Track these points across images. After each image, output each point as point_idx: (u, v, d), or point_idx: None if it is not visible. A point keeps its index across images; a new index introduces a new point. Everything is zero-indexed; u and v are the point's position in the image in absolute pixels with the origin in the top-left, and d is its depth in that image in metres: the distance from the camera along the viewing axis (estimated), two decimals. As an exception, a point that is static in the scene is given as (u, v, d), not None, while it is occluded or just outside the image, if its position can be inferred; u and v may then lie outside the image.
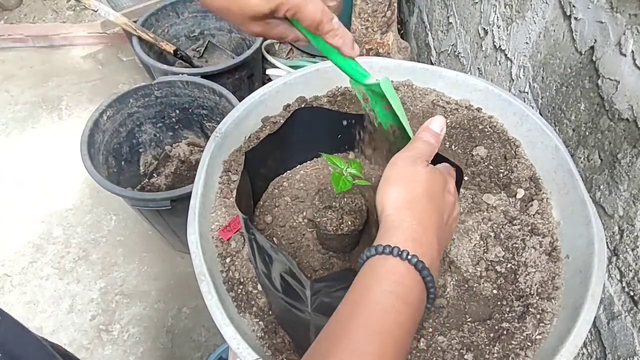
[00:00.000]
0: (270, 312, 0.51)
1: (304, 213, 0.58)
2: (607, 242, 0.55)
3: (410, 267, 0.32)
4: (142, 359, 1.24)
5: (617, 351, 0.56)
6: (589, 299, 0.45)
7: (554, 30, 0.66)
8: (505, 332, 0.47)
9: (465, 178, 0.60)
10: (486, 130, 0.65)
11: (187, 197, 0.66)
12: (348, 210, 0.56)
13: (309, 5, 0.41)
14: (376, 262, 0.34)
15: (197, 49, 1.66)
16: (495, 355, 0.46)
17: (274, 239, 0.56)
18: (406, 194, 0.37)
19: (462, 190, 0.58)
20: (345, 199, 0.56)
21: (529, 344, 0.47)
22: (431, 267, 0.33)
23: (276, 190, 0.62)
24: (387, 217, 0.36)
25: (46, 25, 2.12)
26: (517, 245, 0.53)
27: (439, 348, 0.46)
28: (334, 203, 0.56)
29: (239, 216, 0.53)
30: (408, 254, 0.33)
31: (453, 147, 0.64)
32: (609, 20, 0.53)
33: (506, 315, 0.49)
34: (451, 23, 1.11)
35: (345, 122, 0.61)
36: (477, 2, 0.93)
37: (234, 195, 0.60)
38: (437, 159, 0.51)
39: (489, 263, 0.53)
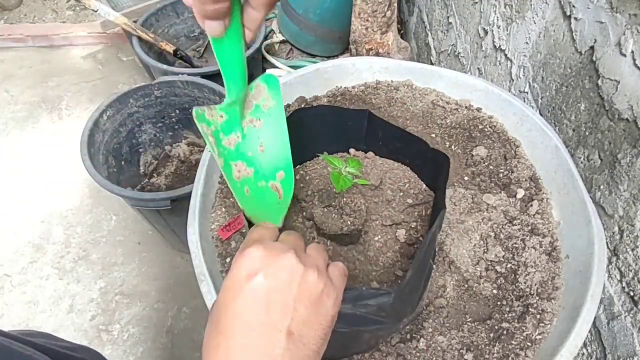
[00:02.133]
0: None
1: (304, 213, 0.58)
2: (607, 242, 0.55)
3: None
4: (142, 359, 1.24)
5: (617, 351, 0.56)
6: (589, 299, 0.45)
7: (554, 31, 0.66)
8: (505, 332, 0.47)
9: (465, 178, 0.60)
10: (486, 130, 0.65)
11: (187, 197, 0.66)
12: (348, 210, 0.56)
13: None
14: None
15: (197, 49, 1.66)
16: (495, 355, 0.46)
17: None
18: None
19: (462, 190, 0.58)
20: (344, 199, 0.56)
21: (529, 344, 0.47)
22: None
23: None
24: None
25: (46, 25, 2.12)
26: (517, 245, 0.53)
27: (439, 348, 0.46)
28: (333, 203, 0.56)
29: (242, 216, 0.53)
30: None
31: (453, 147, 0.64)
32: (609, 21, 0.53)
33: (506, 315, 0.49)
34: (451, 23, 1.11)
35: (345, 119, 0.61)
36: (477, 2, 0.93)
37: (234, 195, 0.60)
38: (423, 150, 0.51)
39: (489, 263, 0.53)
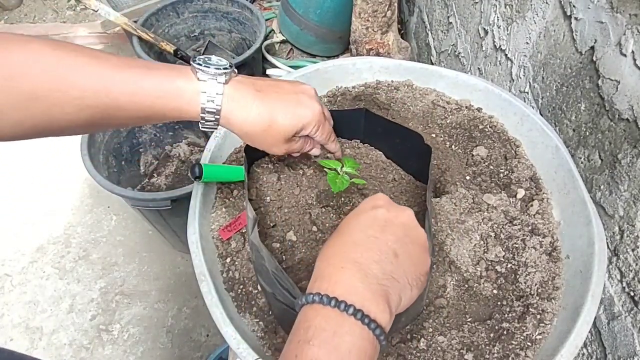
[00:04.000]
0: (270, 312, 0.51)
1: (310, 214, 0.58)
2: (607, 243, 0.55)
3: (340, 314, 0.31)
4: (142, 359, 1.24)
5: (617, 351, 0.56)
6: (589, 299, 0.45)
7: (554, 31, 0.66)
8: (505, 332, 0.47)
9: (467, 178, 0.60)
10: (486, 130, 0.65)
11: (187, 197, 0.66)
12: (346, 210, 0.56)
13: (327, 122, 0.49)
14: (308, 312, 0.33)
15: (197, 49, 1.66)
16: (496, 355, 0.46)
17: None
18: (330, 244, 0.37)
19: (463, 190, 0.58)
20: (342, 199, 0.56)
21: (529, 344, 0.46)
22: (369, 302, 0.32)
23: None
24: (315, 268, 0.36)
25: (46, 25, 2.12)
26: (517, 246, 0.53)
27: (439, 348, 0.46)
28: (331, 202, 0.56)
29: (246, 216, 0.53)
30: (334, 300, 0.32)
31: (453, 147, 0.64)
32: (609, 21, 0.53)
33: (506, 315, 0.49)
34: (451, 23, 1.11)
35: (344, 119, 0.61)
36: (477, 2, 0.93)
37: (236, 195, 0.61)
38: (418, 144, 0.52)
39: (489, 263, 0.53)
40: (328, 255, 0.36)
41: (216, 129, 0.44)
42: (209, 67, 0.41)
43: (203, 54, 1.63)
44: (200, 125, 0.43)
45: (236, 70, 0.44)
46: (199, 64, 0.41)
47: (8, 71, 0.35)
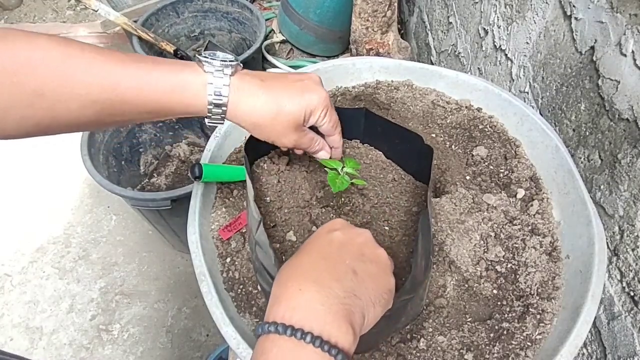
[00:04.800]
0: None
1: (311, 215, 0.58)
2: (607, 242, 0.55)
3: (297, 342, 0.30)
4: (142, 359, 1.24)
5: (617, 351, 0.56)
6: (589, 299, 0.45)
7: (554, 31, 0.66)
8: (505, 332, 0.47)
9: (467, 177, 0.60)
10: (486, 130, 0.65)
11: (187, 197, 0.66)
12: (346, 210, 0.56)
13: (333, 109, 0.49)
14: (264, 343, 0.31)
15: (197, 49, 1.66)
16: (496, 355, 0.46)
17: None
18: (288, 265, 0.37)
19: (463, 190, 0.58)
20: (342, 199, 0.56)
21: (529, 344, 0.46)
22: (329, 326, 0.31)
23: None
24: (272, 294, 0.35)
25: (46, 25, 2.12)
26: (517, 245, 0.53)
27: (439, 348, 0.46)
28: (331, 203, 0.56)
29: (248, 216, 0.53)
30: (290, 329, 0.30)
31: (453, 147, 0.64)
32: (609, 20, 0.53)
33: (506, 315, 0.49)
34: (451, 23, 1.11)
35: (343, 118, 0.61)
36: (477, 2, 0.93)
37: (236, 195, 0.61)
38: (418, 145, 0.52)
39: (489, 263, 0.53)
40: (285, 279, 0.34)
41: (222, 123, 0.44)
42: (215, 60, 0.41)
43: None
44: (206, 121, 0.43)
45: (242, 65, 0.44)
46: (205, 57, 0.41)
47: (13, 68, 0.34)
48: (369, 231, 0.41)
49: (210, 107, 0.41)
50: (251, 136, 0.55)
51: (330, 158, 0.53)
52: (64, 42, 0.37)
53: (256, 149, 0.58)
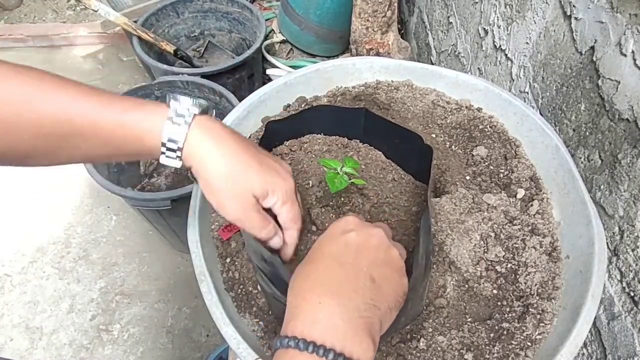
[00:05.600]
0: (270, 312, 0.51)
1: (311, 216, 0.58)
2: (607, 243, 0.55)
3: (317, 359, 0.29)
4: (142, 359, 1.24)
5: (617, 351, 0.56)
6: (589, 299, 0.45)
7: (554, 31, 0.66)
8: (505, 332, 0.47)
9: (467, 177, 0.60)
10: (486, 130, 0.65)
11: (187, 197, 0.66)
12: (346, 210, 0.56)
13: (296, 201, 0.44)
14: (282, 357, 0.31)
15: (197, 49, 1.66)
16: (495, 355, 0.46)
17: None
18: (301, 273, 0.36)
19: (463, 190, 0.58)
20: (342, 198, 0.56)
21: (529, 344, 0.46)
22: (350, 342, 0.30)
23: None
24: (288, 304, 0.34)
25: (46, 25, 2.12)
26: (517, 246, 0.53)
27: (439, 348, 0.46)
28: (331, 202, 0.56)
29: None
30: (312, 345, 0.29)
31: (453, 147, 0.64)
32: (609, 20, 0.53)
33: (506, 315, 0.49)
34: (451, 23, 1.11)
35: (344, 117, 0.61)
36: (477, 2, 0.93)
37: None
38: (418, 145, 0.52)
39: (489, 263, 0.53)
40: (302, 289, 0.34)
41: (178, 165, 0.40)
42: (180, 97, 0.38)
43: (203, 54, 1.64)
44: (161, 160, 0.40)
45: (213, 113, 0.41)
46: (173, 95, 0.39)
47: None
48: (382, 229, 0.39)
49: (164, 148, 0.38)
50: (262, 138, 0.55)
51: (280, 252, 0.48)
52: (23, 70, 0.36)
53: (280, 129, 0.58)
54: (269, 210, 0.44)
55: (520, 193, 0.58)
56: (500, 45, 0.84)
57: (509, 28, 0.80)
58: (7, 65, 0.35)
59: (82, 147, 0.38)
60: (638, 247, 0.52)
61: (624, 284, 0.54)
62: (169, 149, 0.38)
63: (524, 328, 0.47)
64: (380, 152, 0.63)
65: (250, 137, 0.66)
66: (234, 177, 0.39)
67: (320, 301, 0.32)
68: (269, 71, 1.54)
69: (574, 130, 0.63)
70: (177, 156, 0.39)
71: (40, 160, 0.39)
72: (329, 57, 1.63)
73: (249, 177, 0.40)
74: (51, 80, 0.36)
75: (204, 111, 0.40)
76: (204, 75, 1.25)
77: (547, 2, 0.68)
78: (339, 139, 0.64)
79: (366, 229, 0.38)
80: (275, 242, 0.45)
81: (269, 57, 1.57)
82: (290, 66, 1.55)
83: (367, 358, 0.31)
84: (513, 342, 0.47)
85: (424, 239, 0.45)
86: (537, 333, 0.47)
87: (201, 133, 0.39)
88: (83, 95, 0.37)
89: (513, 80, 0.81)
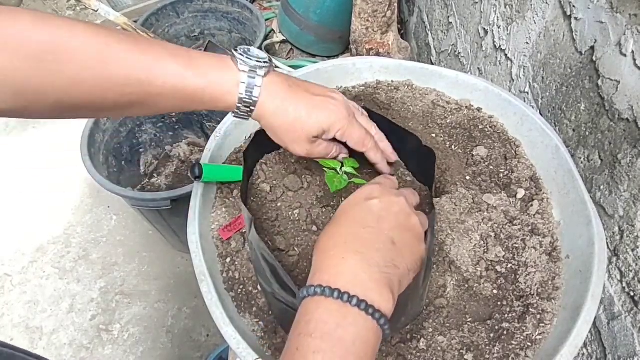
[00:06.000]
0: (270, 312, 0.51)
1: (312, 216, 0.58)
2: (607, 243, 0.55)
3: (343, 305, 0.32)
4: (142, 359, 1.24)
5: (617, 351, 0.56)
6: (589, 299, 0.45)
7: (554, 31, 0.66)
8: (505, 332, 0.47)
9: (467, 178, 0.60)
10: (486, 130, 0.65)
11: (187, 197, 0.66)
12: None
13: (354, 126, 0.47)
14: (309, 304, 0.33)
15: (198, 49, 1.66)
16: (496, 355, 0.46)
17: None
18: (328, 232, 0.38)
19: (463, 190, 0.58)
20: (342, 198, 0.56)
21: (529, 344, 0.47)
22: (372, 292, 0.33)
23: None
24: (314, 262, 0.37)
25: (46, 25, 2.12)
26: (517, 246, 0.53)
27: (439, 348, 0.46)
28: (332, 202, 0.56)
29: (244, 216, 0.53)
30: (337, 292, 0.32)
31: (453, 147, 0.64)
32: (609, 21, 0.53)
33: (506, 315, 0.49)
34: (451, 23, 1.11)
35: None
36: (477, 2, 0.93)
37: (236, 195, 0.61)
38: (416, 146, 0.52)
39: (489, 263, 0.53)
40: (327, 247, 0.36)
41: (247, 119, 0.45)
42: (250, 59, 0.41)
43: (203, 54, 1.64)
44: (232, 114, 0.44)
45: (273, 65, 0.44)
46: (240, 55, 0.42)
47: (54, 54, 0.35)
48: (405, 197, 0.41)
49: (240, 105, 0.42)
50: (251, 142, 0.55)
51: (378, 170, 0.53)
52: (102, 31, 0.37)
53: (255, 155, 0.58)
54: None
55: (520, 193, 0.58)
56: (500, 45, 0.84)
57: (509, 28, 0.80)
58: (85, 25, 0.37)
59: (160, 105, 0.41)
60: (638, 247, 0.52)
61: (624, 284, 0.54)
62: (244, 107, 0.42)
63: (524, 328, 0.47)
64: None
65: (250, 136, 0.66)
66: (295, 126, 0.44)
67: (344, 256, 0.34)
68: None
69: (574, 130, 0.63)
70: (248, 113, 0.43)
71: (116, 114, 0.42)
72: (329, 57, 1.63)
73: (306, 122, 0.44)
74: (130, 41, 0.38)
75: (268, 64, 0.43)
76: (204, 75, 1.25)
77: (547, 2, 0.68)
78: None
79: (389, 196, 0.40)
80: (343, 155, 0.51)
81: (269, 57, 1.57)
82: (290, 66, 1.55)
83: (387, 307, 0.33)
84: (513, 342, 0.47)
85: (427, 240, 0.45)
86: (537, 333, 0.47)
87: (270, 92, 0.43)
88: (163, 58, 0.39)
89: (513, 80, 0.81)
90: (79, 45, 0.35)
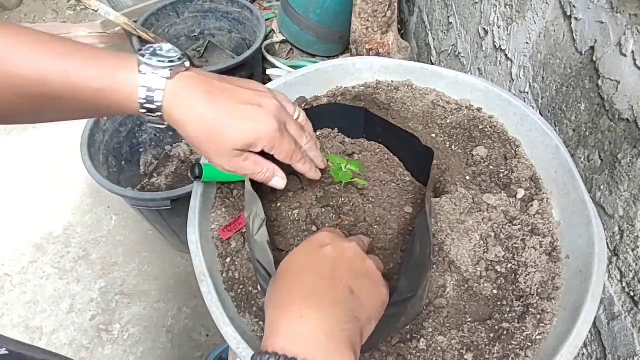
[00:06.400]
0: (270, 312, 0.51)
1: (311, 215, 0.58)
2: (607, 243, 0.55)
3: None
4: (142, 359, 1.24)
5: (617, 351, 0.56)
6: (589, 299, 0.45)
7: (554, 31, 0.66)
8: (505, 332, 0.47)
9: (467, 178, 0.60)
10: (486, 130, 0.65)
11: (187, 197, 0.66)
12: (346, 210, 0.56)
13: (284, 139, 0.43)
14: None
15: (197, 49, 1.66)
16: (496, 355, 0.46)
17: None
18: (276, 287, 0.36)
19: (463, 190, 0.58)
20: (342, 199, 0.56)
21: (529, 344, 0.47)
22: (332, 356, 0.30)
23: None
24: (268, 318, 0.34)
25: (46, 25, 2.12)
26: (517, 246, 0.53)
27: (439, 348, 0.46)
28: (331, 202, 0.56)
29: (243, 216, 0.53)
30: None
31: (453, 147, 0.64)
32: (610, 21, 0.53)
33: (506, 315, 0.49)
34: (451, 23, 1.11)
35: (345, 114, 0.61)
36: (477, 2, 0.93)
37: (236, 195, 0.61)
38: (416, 147, 0.51)
39: (489, 263, 0.53)
40: (283, 303, 0.33)
41: (163, 125, 0.40)
42: (152, 59, 0.37)
43: (203, 54, 1.64)
44: (146, 121, 0.40)
45: (188, 64, 0.40)
46: (142, 55, 0.37)
47: None
48: (356, 242, 0.40)
49: (143, 110, 0.38)
50: None
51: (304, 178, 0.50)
52: (18, 32, 0.35)
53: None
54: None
55: (520, 193, 0.58)
56: (500, 46, 0.84)
57: (509, 28, 0.81)
58: (3, 23, 0.35)
59: (66, 109, 0.38)
60: (638, 247, 0.52)
61: (624, 284, 0.55)
62: (148, 113, 0.38)
63: (524, 328, 0.47)
64: (385, 151, 0.63)
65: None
66: (214, 137, 0.39)
67: (302, 315, 0.32)
68: (269, 71, 1.54)
69: (574, 130, 0.63)
70: (159, 120, 0.39)
71: (25, 119, 0.39)
72: (329, 57, 1.63)
73: (229, 135, 0.39)
74: (30, 38, 0.35)
75: (175, 64, 0.38)
76: (204, 75, 1.25)
77: (547, 2, 0.68)
78: (345, 138, 0.65)
79: (341, 242, 0.39)
80: (276, 183, 0.46)
81: (269, 57, 1.57)
82: (290, 66, 1.55)
83: None
84: (513, 342, 0.47)
85: (421, 240, 0.45)
86: (537, 333, 0.47)
87: (178, 96, 0.38)
88: (60, 57, 0.36)
89: (513, 81, 0.81)
90: None
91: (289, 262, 0.38)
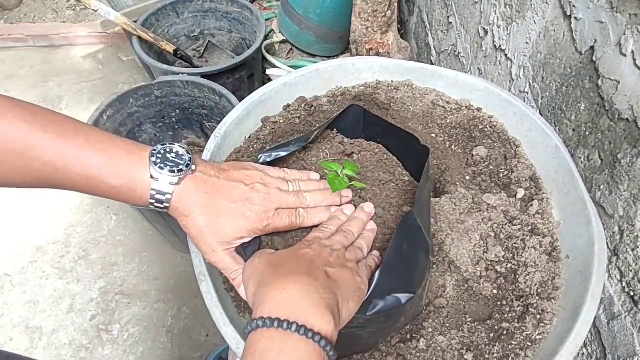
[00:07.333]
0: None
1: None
2: (607, 242, 0.55)
3: (284, 332, 0.33)
4: (142, 359, 1.24)
5: (617, 351, 0.56)
6: (589, 299, 0.45)
7: (554, 31, 0.66)
8: (505, 332, 0.47)
9: (467, 178, 0.60)
10: (486, 130, 0.65)
11: (187, 197, 0.66)
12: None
13: (278, 218, 0.47)
14: (253, 337, 0.34)
15: (197, 49, 1.66)
16: (495, 355, 0.46)
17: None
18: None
19: (463, 190, 0.58)
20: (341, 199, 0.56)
21: (529, 344, 0.47)
22: (312, 316, 0.34)
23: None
24: (254, 296, 0.39)
25: (46, 25, 2.12)
26: (517, 246, 0.53)
27: (439, 348, 0.46)
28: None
29: None
30: (277, 321, 0.33)
31: (453, 147, 0.64)
32: (609, 20, 0.53)
33: (506, 315, 0.49)
34: (451, 23, 1.11)
35: (345, 114, 0.61)
36: (477, 2, 0.93)
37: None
38: (415, 146, 0.51)
39: (489, 263, 0.53)
40: (267, 282, 0.38)
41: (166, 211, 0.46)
42: (163, 168, 0.42)
43: (203, 54, 1.64)
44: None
45: (194, 167, 0.45)
46: (154, 162, 0.42)
47: None
48: (337, 239, 0.45)
49: (151, 206, 0.44)
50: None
51: None
52: (29, 113, 0.39)
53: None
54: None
55: (520, 193, 0.58)
56: (500, 45, 0.84)
57: (509, 28, 0.81)
58: (12, 105, 0.38)
59: (78, 190, 0.43)
60: (638, 247, 0.52)
61: (624, 284, 0.55)
62: (157, 206, 0.44)
63: (524, 328, 0.47)
64: (383, 151, 0.63)
65: (250, 137, 0.66)
66: (207, 233, 0.45)
67: (285, 287, 0.36)
68: (269, 71, 1.54)
69: (573, 130, 0.63)
70: (164, 210, 0.45)
71: (32, 188, 0.43)
72: (329, 57, 1.63)
73: (220, 231, 0.45)
74: (56, 129, 0.40)
75: (183, 172, 0.43)
76: (204, 75, 1.25)
77: (547, 2, 0.68)
78: (344, 138, 0.64)
79: (320, 247, 0.43)
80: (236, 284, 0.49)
81: (269, 57, 1.57)
82: (290, 66, 1.55)
83: (328, 330, 0.34)
84: (513, 342, 0.47)
85: (407, 237, 0.44)
86: (537, 333, 0.47)
87: (182, 199, 0.44)
88: (81, 150, 0.40)
89: (513, 80, 0.81)
90: (4, 130, 0.37)
91: (273, 256, 0.43)
